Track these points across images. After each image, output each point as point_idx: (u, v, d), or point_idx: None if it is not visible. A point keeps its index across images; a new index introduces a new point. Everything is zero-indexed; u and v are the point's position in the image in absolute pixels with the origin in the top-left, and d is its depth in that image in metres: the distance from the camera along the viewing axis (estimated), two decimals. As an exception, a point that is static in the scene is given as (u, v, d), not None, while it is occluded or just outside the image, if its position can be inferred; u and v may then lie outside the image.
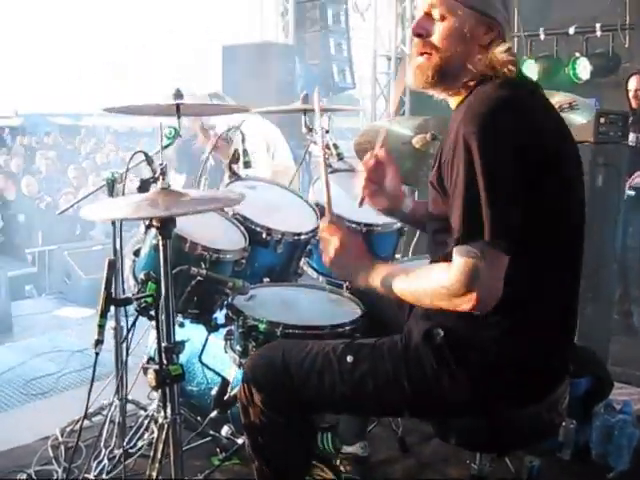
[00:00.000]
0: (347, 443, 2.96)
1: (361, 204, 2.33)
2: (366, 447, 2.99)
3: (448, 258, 1.82)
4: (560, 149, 1.90)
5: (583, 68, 7.05)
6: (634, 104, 5.61)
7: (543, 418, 2.04)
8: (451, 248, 1.81)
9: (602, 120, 4.01)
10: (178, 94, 2.67)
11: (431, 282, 1.87)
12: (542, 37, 7.31)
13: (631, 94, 5.61)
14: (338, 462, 2.94)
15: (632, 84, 5.60)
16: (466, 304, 1.79)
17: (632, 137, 5.52)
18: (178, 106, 2.67)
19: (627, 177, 5.00)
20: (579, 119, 3.50)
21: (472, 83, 1.96)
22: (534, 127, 1.83)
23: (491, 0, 1.93)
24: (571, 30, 7.20)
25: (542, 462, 2.98)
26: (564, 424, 3.11)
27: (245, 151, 3.16)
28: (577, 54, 7.14)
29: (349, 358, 2.03)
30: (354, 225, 2.94)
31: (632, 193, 5.19)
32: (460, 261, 1.78)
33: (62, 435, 3.26)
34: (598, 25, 7.06)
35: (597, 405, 3.30)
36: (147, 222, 2.46)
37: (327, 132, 3.42)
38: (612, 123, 4.09)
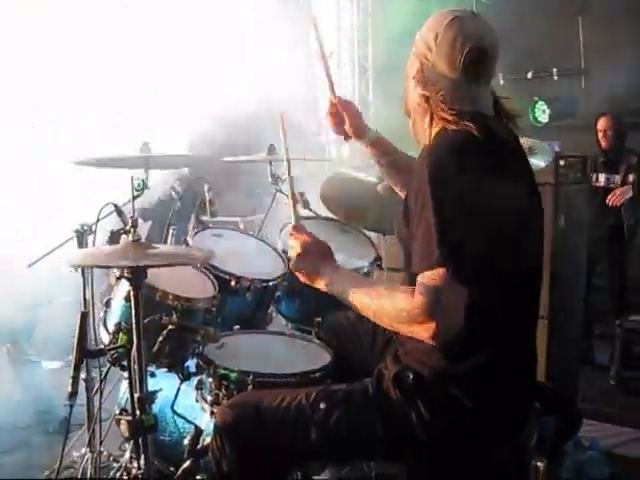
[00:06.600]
0: None
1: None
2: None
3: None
4: (505, 195, 1.90)
5: (542, 112, 7.21)
6: (603, 144, 5.73)
7: (513, 458, 2.07)
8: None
9: (562, 163, 4.12)
10: (146, 147, 2.70)
11: (393, 304, 1.88)
12: (501, 82, 7.48)
13: (600, 135, 5.73)
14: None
15: (600, 124, 5.73)
16: (425, 332, 1.80)
17: (602, 178, 5.66)
18: (147, 159, 2.70)
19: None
20: (539, 163, 3.60)
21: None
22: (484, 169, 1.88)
23: None
24: (529, 75, 7.39)
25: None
26: (534, 463, 3.13)
27: (211, 200, 3.19)
28: (535, 98, 7.31)
29: (322, 405, 2.04)
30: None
31: None
32: (423, 289, 1.80)
33: (33, 491, 3.20)
34: (555, 70, 7.26)
35: (566, 443, 3.33)
36: (118, 273, 2.46)
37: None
38: (571, 166, 4.21)
